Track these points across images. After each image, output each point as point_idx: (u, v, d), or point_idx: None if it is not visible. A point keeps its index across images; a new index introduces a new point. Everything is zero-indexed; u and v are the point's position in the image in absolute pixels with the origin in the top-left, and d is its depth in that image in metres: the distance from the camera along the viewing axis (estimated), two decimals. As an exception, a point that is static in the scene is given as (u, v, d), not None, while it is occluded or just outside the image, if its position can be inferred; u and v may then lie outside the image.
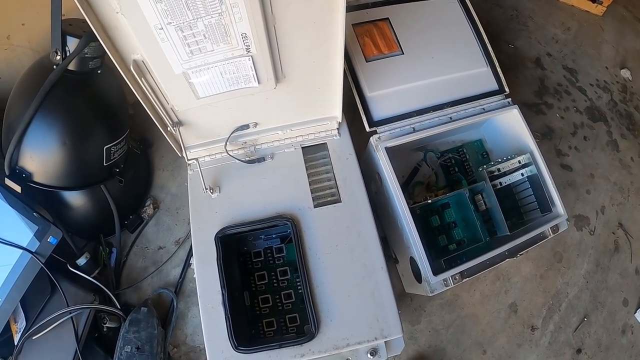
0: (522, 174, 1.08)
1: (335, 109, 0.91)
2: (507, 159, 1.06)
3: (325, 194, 0.93)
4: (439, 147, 1.21)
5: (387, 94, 1.02)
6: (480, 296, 1.20)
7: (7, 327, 1.02)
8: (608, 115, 1.58)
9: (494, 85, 1.12)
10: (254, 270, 0.99)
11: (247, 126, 0.92)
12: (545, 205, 1.05)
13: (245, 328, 0.93)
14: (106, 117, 1.04)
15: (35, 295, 1.04)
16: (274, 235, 0.99)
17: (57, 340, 1.03)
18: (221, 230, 0.89)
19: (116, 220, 1.16)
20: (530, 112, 1.49)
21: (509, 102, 1.11)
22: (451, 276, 0.91)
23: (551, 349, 1.21)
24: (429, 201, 0.99)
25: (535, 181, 1.07)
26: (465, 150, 1.21)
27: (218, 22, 0.66)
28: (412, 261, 0.96)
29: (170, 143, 0.91)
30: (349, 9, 1.08)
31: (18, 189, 1.00)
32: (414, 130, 1.01)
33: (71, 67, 0.95)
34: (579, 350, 1.23)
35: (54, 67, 0.94)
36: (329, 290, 0.84)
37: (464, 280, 0.92)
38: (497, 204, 1.01)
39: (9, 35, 1.11)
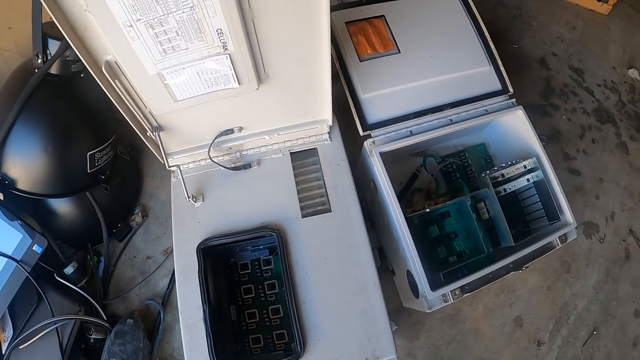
0: (528, 180, 0.99)
1: (325, 111, 0.83)
2: (512, 164, 0.98)
3: (314, 203, 0.85)
4: (439, 151, 1.12)
5: (382, 96, 0.94)
6: (483, 309, 1.11)
7: None
8: (616, 117, 1.47)
9: (497, 85, 1.03)
10: (241, 283, 0.92)
11: (231, 131, 0.84)
12: (553, 213, 0.96)
13: (232, 344, 0.86)
14: (90, 122, 0.97)
15: (22, 304, 0.99)
16: (261, 247, 0.91)
17: (43, 350, 0.97)
18: (203, 241, 0.82)
19: (103, 229, 1.10)
20: (536, 114, 1.40)
21: (513, 103, 1.02)
22: (450, 291, 0.82)
23: (559, 364, 1.12)
24: (427, 210, 0.90)
25: (542, 187, 0.98)
26: (467, 155, 1.13)
27: (190, 17, 0.59)
28: (409, 274, 0.87)
29: (151, 149, 0.84)
30: (343, 6, 1.01)
31: (0, 196, 0.95)
32: (411, 134, 0.92)
33: (53, 70, 0.89)
34: (588, 366, 1.14)
35: (36, 70, 0.88)
36: (317, 306, 0.76)
37: (464, 296, 0.84)
38: (501, 212, 0.92)
39: (-5, 40, 1.06)
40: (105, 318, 1.04)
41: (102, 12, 0.58)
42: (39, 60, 0.88)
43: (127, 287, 1.11)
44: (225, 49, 0.64)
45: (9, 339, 0.97)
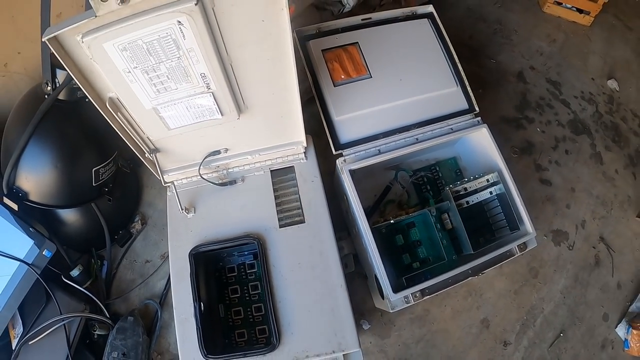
0: (491, 192, 1.13)
1: (299, 135, 0.98)
2: (474, 178, 1.12)
3: (290, 215, 1.00)
4: (412, 165, 1.26)
5: (354, 118, 1.09)
6: (451, 311, 1.25)
7: (6, 333, 1.13)
8: (592, 128, 1.60)
9: (464, 105, 1.17)
10: (228, 284, 1.07)
11: (218, 152, 1.00)
12: (513, 223, 1.10)
13: (220, 338, 1.01)
14: (94, 142, 1.13)
15: (32, 303, 1.15)
16: (246, 252, 1.07)
17: (51, 345, 1.13)
18: (194, 248, 0.97)
19: (107, 236, 1.26)
20: (510, 127, 1.53)
21: (478, 121, 1.16)
22: (412, 294, 0.97)
23: (525, 364, 1.25)
24: (392, 221, 1.04)
25: (503, 199, 1.12)
26: (438, 168, 1.27)
27: (178, 65, 0.74)
28: (376, 278, 1.02)
29: (149, 167, 0.99)
30: (320, 34, 1.16)
31: (15, 207, 1.11)
32: (380, 152, 1.07)
33: (61, 96, 1.05)
34: (554, 366, 1.27)
35: (46, 96, 1.04)
36: (291, 305, 0.91)
37: (424, 298, 0.98)
38: (461, 223, 1.06)
39: (6, 63, 1.22)
40: (108, 316, 1.20)
41: (105, 62, 0.73)
42: (49, 88, 1.04)
43: (127, 288, 1.27)
44: (209, 89, 0.79)
45: (19, 336, 1.13)
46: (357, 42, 1.16)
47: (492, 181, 1.12)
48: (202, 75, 0.77)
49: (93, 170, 1.14)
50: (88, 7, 0.64)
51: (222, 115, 0.85)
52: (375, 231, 1.01)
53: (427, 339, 1.21)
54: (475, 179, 1.12)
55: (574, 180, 1.49)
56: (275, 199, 1.02)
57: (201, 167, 1.00)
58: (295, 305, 0.92)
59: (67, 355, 1.12)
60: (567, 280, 1.36)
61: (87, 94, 0.79)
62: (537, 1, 1.87)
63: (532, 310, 1.30)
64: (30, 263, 1.10)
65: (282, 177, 1.05)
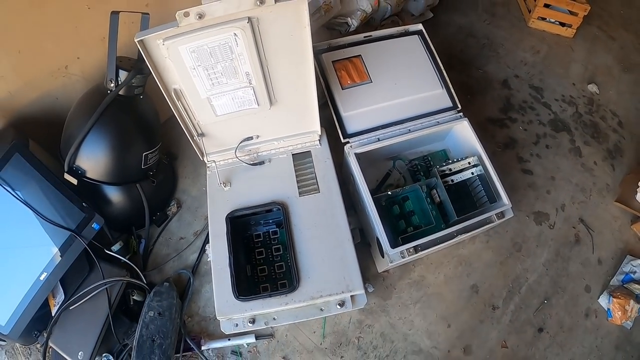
0: (472, 173, 1.50)
1: (315, 125, 1.36)
2: (457, 161, 1.48)
3: (308, 187, 1.36)
4: (408, 156, 1.64)
5: (358, 114, 1.47)
6: (444, 278, 1.58)
7: (46, 302, 1.41)
8: (572, 126, 1.98)
9: (449, 103, 1.55)
10: (256, 248, 1.42)
11: (251, 138, 1.37)
12: (491, 197, 1.45)
13: (246, 292, 1.34)
14: (145, 131, 1.51)
15: (75, 273, 1.44)
16: (270, 221, 1.43)
17: (92, 308, 1.41)
18: (230, 212, 1.33)
19: (147, 215, 1.62)
20: (495, 126, 1.91)
21: (460, 116, 1.53)
22: (406, 249, 1.31)
23: (512, 326, 1.55)
24: (389, 193, 1.41)
25: (483, 179, 1.48)
26: (430, 158, 1.64)
27: (230, 65, 1.13)
28: (377, 241, 1.36)
29: (195, 149, 1.37)
30: (331, 48, 1.56)
31: (74, 181, 1.43)
32: (379, 140, 1.44)
33: (121, 92, 1.43)
34: (540, 329, 1.55)
35: (109, 92, 1.41)
36: (308, 255, 1.26)
37: (418, 254, 1.32)
38: (446, 196, 1.41)
39: (67, 66, 1.59)
40: (145, 282, 1.53)
41: (178, 60, 1.11)
42: (112, 84, 1.42)
43: (162, 261, 1.61)
44: (250, 84, 1.18)
45: (59, 303, 1.42)
46: (360, 55, 1.56)
47: (473, 163, 1.49)
48: (247, 73, 1.15)
49: (143, 154, 1.50)
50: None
51: (258, 105, 1.24)
52: (375, 202, 1.37)
53: (423, 300, 1.54)
54: (458, 161, 1.48)
55: (554, 170, 1.85)
56: (295, 176, 1.38)
57: (237, 150, 1.38)
58: (311, 256, 1.26)
59: (107, 315, 1.41)
60: (549, 254, 1.68)
61: (159, 84, 1.16)
62: (522, 17, 2.30)
63: (517, 279, 1.62)
64: (79, 233, 1.41)
65: (301, 160, 1.42)
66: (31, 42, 1.44)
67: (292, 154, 1.42)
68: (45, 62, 1.51)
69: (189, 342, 1.46)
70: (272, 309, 1.23)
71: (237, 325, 1.25)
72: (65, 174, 1.44)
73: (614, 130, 2.01)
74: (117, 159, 1.48)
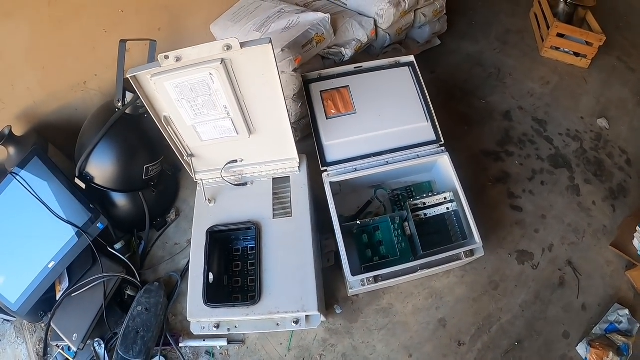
0: (448, 208, 1.57)
1: (293, 153, 1.48)
2: (432, 195, 1.56)
3: (282, 210, 1.49)
4: (391, 185, 1.73)
5: (339, 143, 1.58)
6: (412, 308, 1.65)
7: (52, 287, 1.64)
8: (574, 162, 1.96)
9: (432, 136, 1.62)
10: (234, 261, 1.57)
11: (235, 161, 1.52)
12: (463, 234, 1.51)
13: (222, 298, 1.49)
14: (147, 146, 1.70)
15: (80, 264, 1.67)
16: (249, 238, 1.57)
17: (90, 297, 1.63)
18: (211, 227, 1.48)
19: (147, 220, 1.82)
20: (489, 160, 1.94)
21: (442, 150, 1.60)
22: (367, 278, 1.41)
23: (477, 365, 1.59)
24: (358, 222, 1.51)
25: (457, 215, 1.54)
26: (413, 189, 1.72)
27: (209, 99, 1.28)
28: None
29: (185, 167, 1.54)
30: (321, 78, 1.68)
31: (83, 186, 1.66)
32: (355, 170, 1.54)
33: (127, 111, 1.63)
34: (507, 372, 1.59)
35: (116, 109, 1.62)
36: (273, 273, 1.39)
37: (378, 284, 1.41)
38: (415, 230, 1.49)
39: (85, 82, 1.82)
40: (139, 280, 1.73)
41: (164, 93, 1.28)
42: (119, 104, 1.62)
43: (157, 263, 1.81)
44: (229, 115, 1.32)
45: (64, 290, 1.64)
46: (348, 86, 1.66)
47: (449, 199, 1.56)
48: (225, 106, 1.30)
49: (144, 166, 1.70)
50: (151, 59, 1.21)
51: (237, 134, 1.38)
52: (346, 229, 1.48)
53: (388, 327, 1.62)
54: (432, 195, 1.56)
55: (546, 208, 1.85)
56: (273, 198, 1.52)
57: (223, 171, 1.53)
58: (275, 274, 1.39)
59: (102, 305, 1.61)
60: (528, 295, 1.69)
61: (149, 111, 1.34)
62: (536, 46, 2.30)
63: (489, 318, 1.65)
64: (85, 231, 1.64)
65: (280, 183, 1.55)
66: (54, 59, 1.68)
67: (273, 178, 1.55)
68: (66, 78, 1.76)
69: (168, 337, 1.63)
70: (234, 318, 1.38)
71: (204, 328, 1.41)
72: (76, 178, 1.67)
73: (620, 169, 1.97)
74: (121, 169, 1.68)
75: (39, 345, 1.71)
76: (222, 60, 1.19)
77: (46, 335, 1.68)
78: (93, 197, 1.72)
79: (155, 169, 1.76)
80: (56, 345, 1.70)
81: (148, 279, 1.79)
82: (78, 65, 1.75)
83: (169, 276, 1.78)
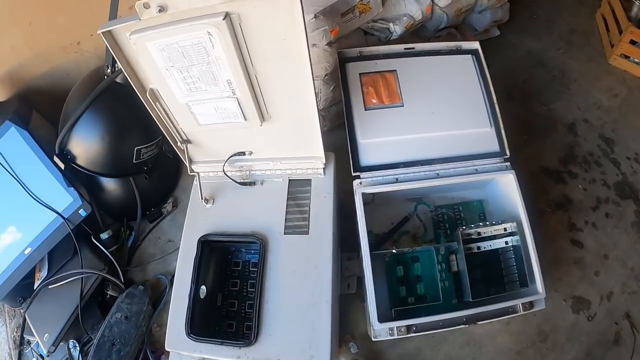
0: (507, 242, 1.06)
1: (318, 151, 0.98)
2: (491, 224, 1.05)
3: (296, 224, 1.00)
4: (435, 200, 1.22)
5: (378, 143, 1.07)
6: (444, 357, 1.16)
7: (32, 273, 1.26)
8: (642, 193, 1.43)
9: (495, 147, 1.11)
10: (231, 277, 1.10)
11: (243, 153, 1.03)
12: (523, 279, 1.02)
13: (212, 322, 1.03)
14: (140, 124, 1.22)
15: (61, 253, 1.26)
16: (252, 251, 1.09)
17: (67, 294, 1.22)
18: (204, 235, 1.01)
19: (138, 209, 1.35)
20: (550, 180, 1.41)
21: (507, 166, 1.09)
22: (397, 327, 0.93)
23: None
24: (394, 251, 1.01)
25: (518, 252, 1.04)
26: (461, 209, 1.21)
27: (207, 69, 0.78)
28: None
29: (180, 155, 1.05)
30: (362, 57, 1.16)
31: (62, 166, 1.21)
32: (397, 181, 1.04)
33: (118, 79, 1.15)
34: None
35: (105, 77, 1.15)
36: (276, 308, 0.92)
37: (410, 335, 0.94)
38: (465, 268, 1.00)
39: (79, 42, 1.35)
40: (122, 280, 1.28)
41: (148, 58, 0.79)
42: (108, 70, 1.15)
43: (146, 261, 1.35)
44: (234, 94, 0.82)
45: (43, 278, 1.25)
46: (395, 70, 1.14)
47: (509, 230, 1.05)
48: (229, 81, 0.80)
49: (135, 148, 1.22)
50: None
51: (245, 120, 0.89)
52: (377, 257, 0.99)
53: (413, 377, 1.15)
54: (491, 225, 1.05)
55: (609, 247, 1.34)
56: (286, 206, 1.03)
57: (226, 164, 1.04)
58: (279, 309, 0.92)
59: (77, 306, 1.19)
60: (579, 352, 1.21)
61: (130, 80, 0.86)
62: (603, 51, 1.72)
63: (532, 375, 1.18)
64: (65, 217, 1.21)
65: (298, 187, 1.05)
66: (43, 15, 1.23)
67: (290, 179, 1.06)
68: (57, 37, 1.30)
69: (149, 354, 1.20)
70: (222, 359, 0.92)
71: (185, 364, 0.95)
72: (54, 156, 1.20)
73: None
74: (107, 149, 1.22)
75: (16, 332, 1.32)
76: (227, 15, 0.68)
77: (23, 326, 1.29)
78: (79, 179, 1.27)
79: (150, 152, 1.28)
80: (27, 342, 1.30)
81: (135, 279, 1.34)
82: (71, 23, 1.28)
83: (158, 279, 1.32)
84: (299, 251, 0.97)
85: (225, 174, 1.05)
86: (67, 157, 1.22)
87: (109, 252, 1.28)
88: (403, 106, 1.10)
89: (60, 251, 1.26)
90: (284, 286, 0.94)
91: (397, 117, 1.09)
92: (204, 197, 1.05)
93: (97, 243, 1.28)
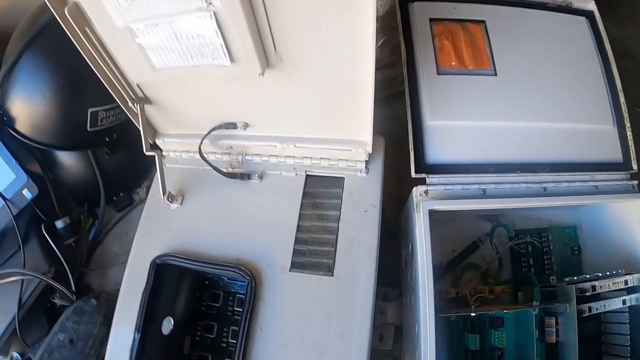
0: (624, 302, 0.59)
1: (363, 131, 0.52)
2: (610, 275, 0.59)
3: (314, 255, 0.55)
4: (515, 221, 0.74)
5: (456, 128, 0.60)
6: None
7: None
8: None
9: (618, 156, 0.63)
10: (206, 316, 0.65)
11: (234, 125, 0.57)
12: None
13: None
14: (97, 78, 0.76)
15: (6, 243, 0.85)
16: (239, 282, 0.64)
17: (5, 297, 0.81)
18: (161, 255, 0.57)
19: (101, 192, 0.91)
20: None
21: (633, 186, 0.62)
22: None
23: None
24: (473, 314, 0.55)
25: (638, 317, 0.58)
26: (549, 237, 0.73)
27: None
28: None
29: (134, 122, 0.60)
30: (433, -3, 0.68)
31: None
32: (484, 194, 0.57)
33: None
34: None
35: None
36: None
37: None
38: (575, 341, 0.54)
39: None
40: (73, 288, 0.85)
41: None
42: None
43: (108, 263, 0.92)
44: (209, 4, 0.36)
45: None
46: (484, 21, 0.66)
47: (630, 284, 0.59)
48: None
49: (89, 110, 0.77)
50: None
51: (231, 61, 0.42)
52: (441, 320, 0.54)
53: None
54: (610, 276, 0.59)
55: None
56: (299, 219, 0.57)
57: (206, 141, 0.58)
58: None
59: (15, 316, 0.79)
60: None
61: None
62: None
63: None
64: (7, 198, 0.79)
65: (320, 189, 0.60)
66: None
67: (307, 175, 0.60)
68: None
69: (96, 394, 0.78)
70: None
71: None
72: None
73: None
74: (51, 109, 0.77)
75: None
76: None
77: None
78: (29, 149, 0.84)
79: (112, 117, 0.82)
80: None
81: (92, 284, 0.91)
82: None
83: (117, 290, 0.89)
84: (314, 304, 0.51)
85: (202, 157, 0.60)
86: (4, 120, 0.78)
87: (64, 245, 0.86)
88: (495, 75, 0.62)
89: (6, 242, 0.85)
90: (282, 356, 0.50)
91: (486, 91, 0.61)
92: (167, 193, 0.60)
93: (45, 234, 0.85)
